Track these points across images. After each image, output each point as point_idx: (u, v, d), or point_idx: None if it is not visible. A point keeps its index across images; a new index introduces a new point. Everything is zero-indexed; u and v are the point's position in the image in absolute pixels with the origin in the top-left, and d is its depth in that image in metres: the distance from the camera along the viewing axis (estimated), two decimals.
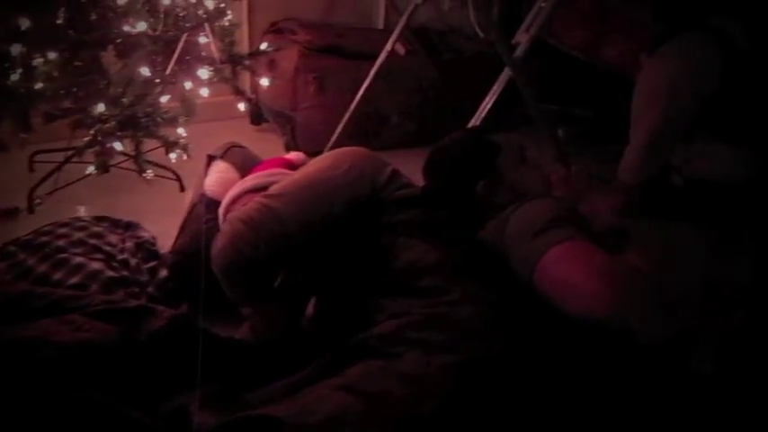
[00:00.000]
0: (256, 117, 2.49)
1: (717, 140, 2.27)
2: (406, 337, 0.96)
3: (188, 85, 1.79)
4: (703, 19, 1.76)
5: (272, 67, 2.26)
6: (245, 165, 1.59)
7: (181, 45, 1.63)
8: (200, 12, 1.75)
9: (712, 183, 2.24)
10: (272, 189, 1.23)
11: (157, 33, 1.65)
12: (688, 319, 1.11)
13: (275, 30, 2.38)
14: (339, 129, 2.24)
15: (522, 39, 1.74)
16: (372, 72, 2.20)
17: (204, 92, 1.81)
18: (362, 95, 2.22)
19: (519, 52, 1.73)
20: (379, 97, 2.30)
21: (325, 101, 2.26)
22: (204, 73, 1.72)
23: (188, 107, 1.83)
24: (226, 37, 1.88)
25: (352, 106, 2.22)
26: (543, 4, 1.71)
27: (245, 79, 2.28)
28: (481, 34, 1.78)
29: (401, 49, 2.29)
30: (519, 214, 1.19)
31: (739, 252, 1.90)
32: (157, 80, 1.65)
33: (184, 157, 1.79)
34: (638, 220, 2.09)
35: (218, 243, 1.17)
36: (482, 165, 1.35)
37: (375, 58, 2.21)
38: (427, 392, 0.86)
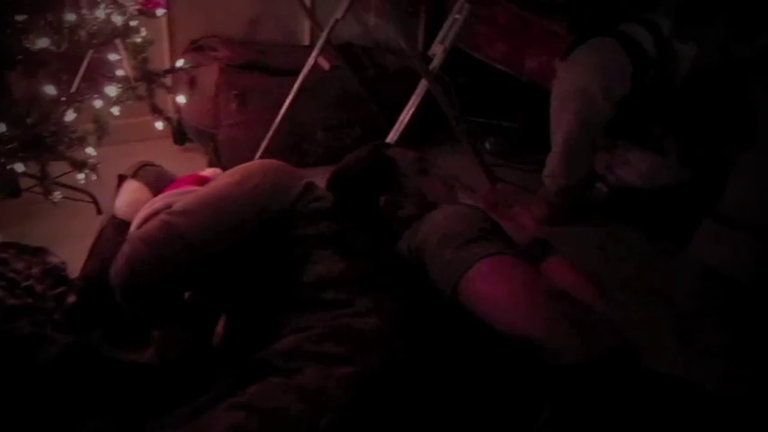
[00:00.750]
0: (180, 136, 2.43)
1: (636, 148, 2.35)
2: (306, 351, 0.93)
3: (98, 103, 1.73)
4: (612, 26, 1.82)
5: (192, 84, 2.22)
6: (159, 183, 1.53)
7: (86, 62, 1.58)
8: (109, 28, 1.70)
9: (635, 189, 2.31)
10: (176, 206, 1.18)
11: (62, 51, 1.59)
12: (611, 338, 1.09)
13: (196, 47, 2.33)
14: (263, 146, 2.21)
15: (437, 50, 1.75)
16: (295, 87, 2.18)
17: (115, 110, 1.75)
18: (286, 111, 2.20)
19: (434, 64, 1.74)
20: (304, 113, 2.28)
21: (247, 118, 2.22)
22: (112, 90, 1.66)
23: (100, 126, 1.77)
24: (138, 54, 1.83)
25: (276, 123, 2.19)
26: (457, 16, 1.72)
27: (166, 98, 2.23)
28: (405, 48, 1.79)
29: (325, 64, 2.28)
30: (435, 222, 1.17)
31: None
32: (63, 98, 1.58)
33: (93, 177, 1.72)
34: (563, 227, 2.13)
35: (117, 264, 1.12)
36: (380, 179, 1.33)
37: (298, 73, 2.20)
38: (325, 406, 0.84)
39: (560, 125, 1.92)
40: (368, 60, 2.57)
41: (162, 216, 1.15)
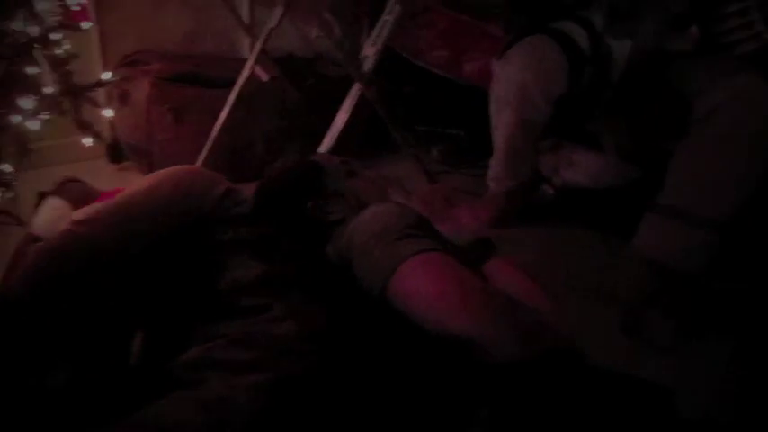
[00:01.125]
0: (116, 155, 2.35)
1: (582, 149, 2.33)
2: (213, 359, 0.86)
3: (16, 118, 1.64)
4: (547, 25, 1.81)
5: (124, 99, 2.15)
6: (83, 200, 1.46)
7: None
8: (25, 40, 1.63)
9: (581, 190, 2.29)
10: (80, 214, 1.11)
11: None
12: (549, 337, 1.04)
13: (129, 62, 2.26)
14: (200, 159, 2.14)
15: (369, 52, 1.72)
16: (231, 99, 2.12)
17: (35, 125, 1.67)
18: (223, 124, 2.13)
19: (367, 66, 1.70)
20: (243, 125, 2.21)
21: (183, 132, 2.15)
22: (28, 103, 1.58)
23: (20, 144, 1.68)
24: (60, 67, 1.76)
25: (212, 136, 2.13)
26: (388, 17, 1.69)
27: (101, 116, 2.15)
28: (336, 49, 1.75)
29: (263, 75, 2.23)
30: (363, 222, 1.12)
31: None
32: None
33: (10, 194, 1.63)
34: (510, 230, 2.10)
35: (17, 277, 1.05)
36: (306, 185, 1.28)
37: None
38: (230, 416, 0.77)
39: (500, 125, 1.89)
40: (309, 71, 2.53)
41: (64, 225, 1.08)
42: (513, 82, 1.77)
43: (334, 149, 1.72)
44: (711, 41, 1.53)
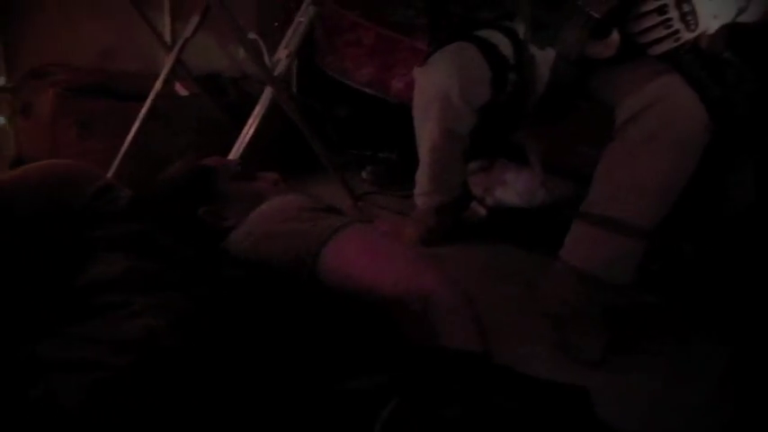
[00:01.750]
0: None
1: (513, 167, 2.28)
2: (51, 359, 0.73)
3: None
4: (470, 34, 1.76)
5: (27, 111, 2.00)
6: None
7: None
8: None
9: (513, 209, 2.24)
10: None
11: None
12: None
13: (35, 74, 2.12)
14: (110, 174, 2.00)
15: (281, 55, 1.63)
16: (143, 113, 2.00)
17: None
18: (135, 139, 2.01)
19: (279, 69, 1.61)
20: (158, 141, 2.09)
21: (90, 147, 2.01)
22: None
23: None
24: None
25: (122, 151, 2.00)
26: (302, 20, 1.61)
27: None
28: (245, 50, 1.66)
29: (182, 90, 2.12)
30: (263, 212, 1.07)
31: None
32: None
33: None
34: (439, 248, 2.02)
35: None
36: (196, 190, 1.19)
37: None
38: (55, 419, 0.64)
39: (424, 137, 1.82)
40: (233, 89, 2.43)
41: None
42: (434, 90, 1.70)
43: (245, 158, 1.61)
44: (631, 43, 1.49)
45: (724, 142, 1.41)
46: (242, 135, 1.60)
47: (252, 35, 1.78)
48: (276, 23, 2.41)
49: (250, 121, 1.61)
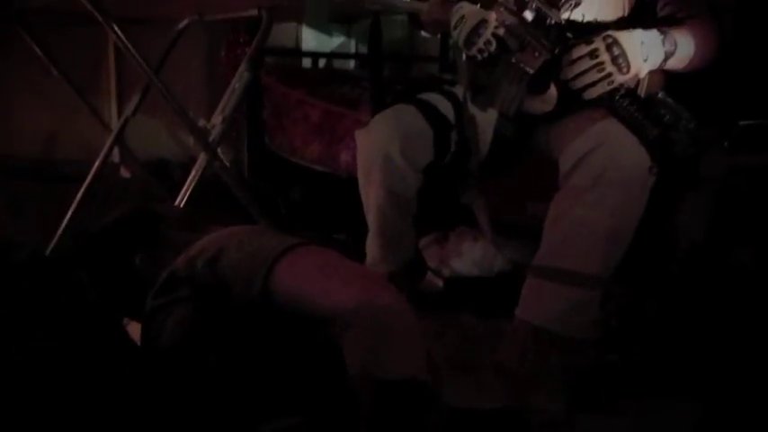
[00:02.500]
0: None
1: (469, 237, 2.24)
2: None
3: None
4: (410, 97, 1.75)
5: None
6: None
7: None
8: None
9: (471, 279, 2.17)
10: None
11: None
12: None
13: None
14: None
15: (216, 121, 1.59)
16: (80, 194, 1.92)
17: None
18: (70, 219, 1.92)
19: (213, 135, 1.57)
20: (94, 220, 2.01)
21: (22, 228, 1.92)
22: None
23: None
24: None
25: (58, 233, 1.90)
26: (237, 85, 1.59)
27: None
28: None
29: (125, 172, 2.07)
30: (207, 239, 1.05)
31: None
32: None
33: None
34: None
35: None
36: (136, 236, 1.17)
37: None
38: None
39: (369, 202, 1.76)
40: (179, 173, 2.39)
41: None
42: (375, 151, 1.66)
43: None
44: (569, 94, 1.49)
45: (669, 183, 1.39)
46: (181, 193, 1.54)
47: (201, 122, 1.76)
48: None
49: (186, 185, 1.55)
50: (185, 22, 1.87)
